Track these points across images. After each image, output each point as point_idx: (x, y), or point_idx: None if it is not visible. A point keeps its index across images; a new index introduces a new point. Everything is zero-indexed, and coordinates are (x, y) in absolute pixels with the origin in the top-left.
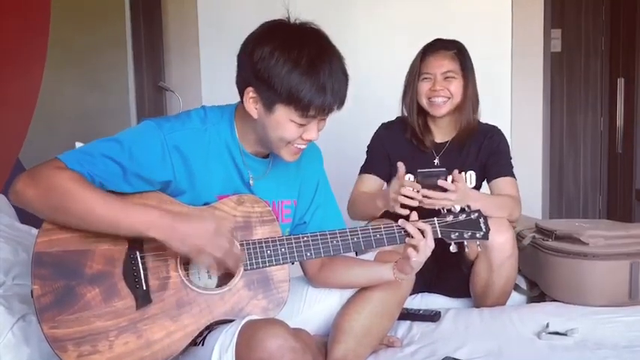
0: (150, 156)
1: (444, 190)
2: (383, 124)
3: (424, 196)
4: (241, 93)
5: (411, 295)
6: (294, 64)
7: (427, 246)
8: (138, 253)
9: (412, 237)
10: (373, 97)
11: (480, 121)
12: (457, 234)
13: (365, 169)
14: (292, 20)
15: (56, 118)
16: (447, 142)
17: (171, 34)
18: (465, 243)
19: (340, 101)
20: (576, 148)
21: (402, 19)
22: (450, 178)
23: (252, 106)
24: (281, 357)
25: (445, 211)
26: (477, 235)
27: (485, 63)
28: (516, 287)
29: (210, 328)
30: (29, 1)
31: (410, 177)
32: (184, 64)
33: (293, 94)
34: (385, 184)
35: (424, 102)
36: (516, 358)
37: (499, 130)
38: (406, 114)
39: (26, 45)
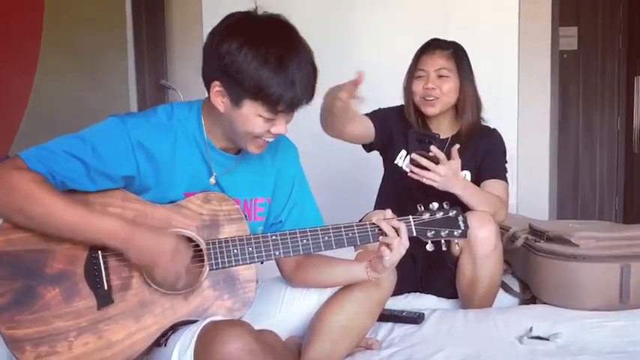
0: (112, 152)
1: (434, 161)
2: (396, 107)
3: (412, 162)
4: (207, 86)
5: (401, 294)
6: (263, 60)
7: (401, 245)
8: (100, 252)
9: (386, 235)
10: (374, 96)
11: (482, 122)
12: (433, 232)
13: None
14: (260, 12)
15: (55, 117)
16: (447, 139)
17: (174, 31)
18: (442, 241)
19: (309, 95)
20: (592, 147)
21: (405, 18)
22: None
23: (219, 100)
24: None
25: (422, 208)
26: (455, 234)
27: (492, 62)
28: (508, 289)
29: (174, 328)
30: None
31: (402, 154)
32: (188, 61)
33: (262, 90)
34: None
35: (417, 100)
36: None
37: (497, 132)
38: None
39: (18, 42)
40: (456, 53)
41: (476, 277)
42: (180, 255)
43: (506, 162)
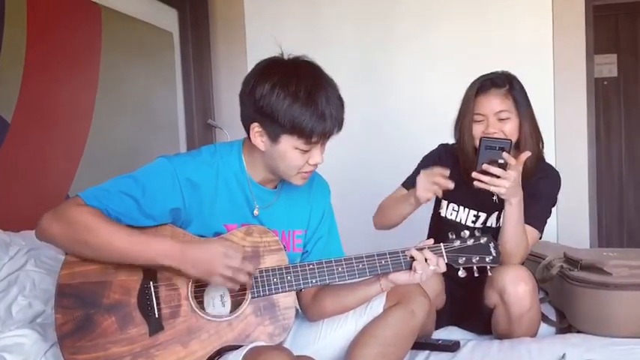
0: (161, 188)
1: (503, 166)
2: (443, 144)
3: (481, 171)
4: (247, 128)
5: (438, 329)
6: (294, 97)
7: (429, 269)
8: (151, 283)
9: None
10: (409, 132)
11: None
12: (464, 259)
13: (407, 183)
14: (285, 56)
15: (106, 157)
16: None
17: (221, 73)
18: (474, 268)
19: (339, 125)
20: (636, 174)
21: (441, 51)
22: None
23: (259, 140)
24: None
25: (454, 236)
26: (487, 260)
27: (528, 92)
28: (545, 319)
29: (220, 353)
30: (80, 42)
31: (444, 204)
32: (234, 102)
33: (296, 124)
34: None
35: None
36: None
37: (554, 173)
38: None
39: (77, 84)
40: (512, 89)
41: (512, 331)
42: (233, 256)
43: (550, 207)
